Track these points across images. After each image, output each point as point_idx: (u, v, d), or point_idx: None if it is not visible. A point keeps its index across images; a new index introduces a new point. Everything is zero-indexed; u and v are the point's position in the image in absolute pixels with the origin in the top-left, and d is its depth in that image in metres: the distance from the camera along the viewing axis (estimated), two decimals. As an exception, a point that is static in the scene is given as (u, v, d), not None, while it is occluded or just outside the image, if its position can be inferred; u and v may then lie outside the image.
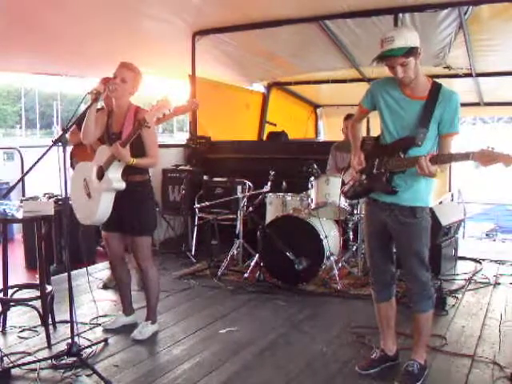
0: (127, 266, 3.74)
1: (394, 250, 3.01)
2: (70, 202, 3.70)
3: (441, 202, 6.64)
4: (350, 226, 5.08)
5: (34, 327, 3.61)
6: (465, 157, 2.48)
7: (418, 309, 2.87)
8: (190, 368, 3.07)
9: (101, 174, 3.35)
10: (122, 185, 3.33)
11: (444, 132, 2.70)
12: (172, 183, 6.16)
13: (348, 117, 5.28)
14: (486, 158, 2.39)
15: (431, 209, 4.93)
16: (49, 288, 3.56)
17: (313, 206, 4.75)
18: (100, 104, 3.58)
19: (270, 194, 5.19)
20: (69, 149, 4.60)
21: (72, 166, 4.45)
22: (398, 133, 2.77)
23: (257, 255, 4.83)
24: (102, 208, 3.33)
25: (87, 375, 2.89)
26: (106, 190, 3.33)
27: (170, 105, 3.26)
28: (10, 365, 2.97)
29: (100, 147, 3.44)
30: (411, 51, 2.59)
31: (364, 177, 2.92)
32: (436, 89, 2.69)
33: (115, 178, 3.31)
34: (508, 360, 3.12)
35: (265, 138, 8.77)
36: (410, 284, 2.90)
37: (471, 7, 5.26)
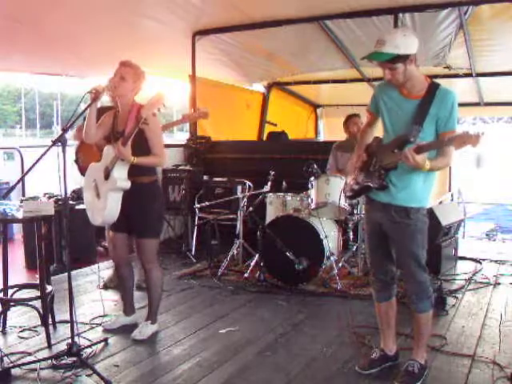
0: (131, 267, 3.73)
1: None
2: (71, 202, 3.72)
3: (441, 202, 6.65)
4: (349, 225, 5.08)
5: (34, 327, 3.60)
6: (441, 143, 2.61)
7: (418, 309, 2.87)
8: (190, 368, 3.07)
9: (107, 174, 3.35)
10: (127, 184, 3.33)
11: (441, 130, 2.71)
12: (172, 183, 6.15)
13: (347, 119, 5.27)
14: (458, 141, 2.46)
15: (431, 209, 4.98)
16: (49, 288, 3.55)
17: (313, 205, 4.75)
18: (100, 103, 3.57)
19: (270, 193, 5.18)
20: (71, 145, 4.61)
21: (77, 162, 4.44)
22: (396, 132, 2.79)
23: (257, 255, 4.83)
24: (109, 208, 3.33)
25: (87, 375, 2.89)
26: (112, 190, 3.32)
27: (163, 100, 3.26)
28: (10, 365, 2.97)
29: (106, 147, 3.44)
30: (397, 58, 2.60)
31: (361, 175, 2.94)
32: (433, 88, 2.71)
33: (120, 178, 3.31)
34: (508, 360, 3.12)
35: (265, 138, 8.76)
36: (408, 284, 2.90)
37: (471, 7, 5.26)
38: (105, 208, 3.33)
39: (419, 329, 2.91)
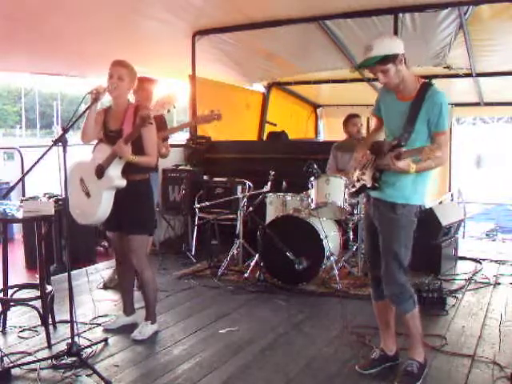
0: (132, 267, 3.72)
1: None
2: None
3: (441, 202, 6.65)
4: (349, 225, 5.08)
5: (34, 327, 3.60)
6: (417, 152, 2.60)
7: (401, 310, 2.87)
8: (190, 368, 3.07)
9: (100, 173, 3.34)
10: (123, 182, 3.33)
11: (433, 130, 2.72)
12: (172, 183, 6.15)
13: (347, 120, 5.28)
14: (423, 154, 2.51)
15: (431, 209, 4.98)
16: (49, 288, 3.55)
17: (313, 205, 4.75)
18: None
19: (270, 193, 5.18)
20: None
21: None
22: (393, 134, 2.82)
23: (257, 255, 4.83)
24: (103, 207, 3.32)
25: (87, 375, 2.89)
26: (107, 188, 3.32)
27: (175, 101, 3.26)
28: (10, 365, 2.97)
29: (98, 146, 3.43)
30: (386, 59, 2.63)
31: (360, 173, 2.96)
32: (424, 89, 2.72)
33: (116, 176, 3.31)
34: (508, 360, 3.12)
35: (265, 138, 8.77)
36: (387, 286, 2.84)
37: (471, 7, 5.27)
38: (98, 206, 3.31)
39: (409, 328, 2.91)
